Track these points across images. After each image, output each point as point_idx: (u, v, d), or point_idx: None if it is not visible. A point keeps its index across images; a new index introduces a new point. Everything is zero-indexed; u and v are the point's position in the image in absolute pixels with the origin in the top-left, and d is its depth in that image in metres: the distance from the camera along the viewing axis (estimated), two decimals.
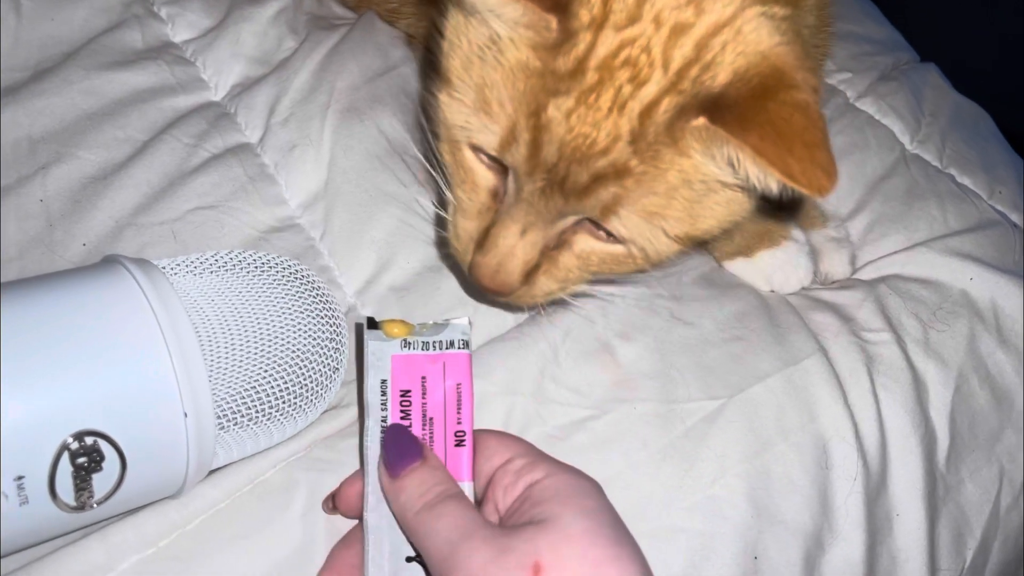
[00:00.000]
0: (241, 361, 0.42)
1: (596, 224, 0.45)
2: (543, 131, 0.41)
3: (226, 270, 0.44)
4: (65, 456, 0.36)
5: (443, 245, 0.55)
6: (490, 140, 0.43)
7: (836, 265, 0.66)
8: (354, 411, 0.49)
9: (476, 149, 0.45)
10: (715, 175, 0.42)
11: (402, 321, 0.44)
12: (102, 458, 0.37)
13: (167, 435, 0.39)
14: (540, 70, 0.41)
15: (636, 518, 0.40)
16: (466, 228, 0.48)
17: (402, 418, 0.42)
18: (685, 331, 0.55)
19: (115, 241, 0.53)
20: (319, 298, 0.46)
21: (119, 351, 0.38)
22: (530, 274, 0.46)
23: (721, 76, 0.40)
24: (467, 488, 0.41)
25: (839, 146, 0.72)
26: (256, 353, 0.42)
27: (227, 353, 0.41)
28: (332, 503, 0.44)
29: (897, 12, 0.92)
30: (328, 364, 0.45)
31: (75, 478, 0.36)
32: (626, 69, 0.40)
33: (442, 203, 0.51)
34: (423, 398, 0.42)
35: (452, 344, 0.43)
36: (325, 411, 0.48)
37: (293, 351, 0.43)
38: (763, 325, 0.57)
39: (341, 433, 0.48)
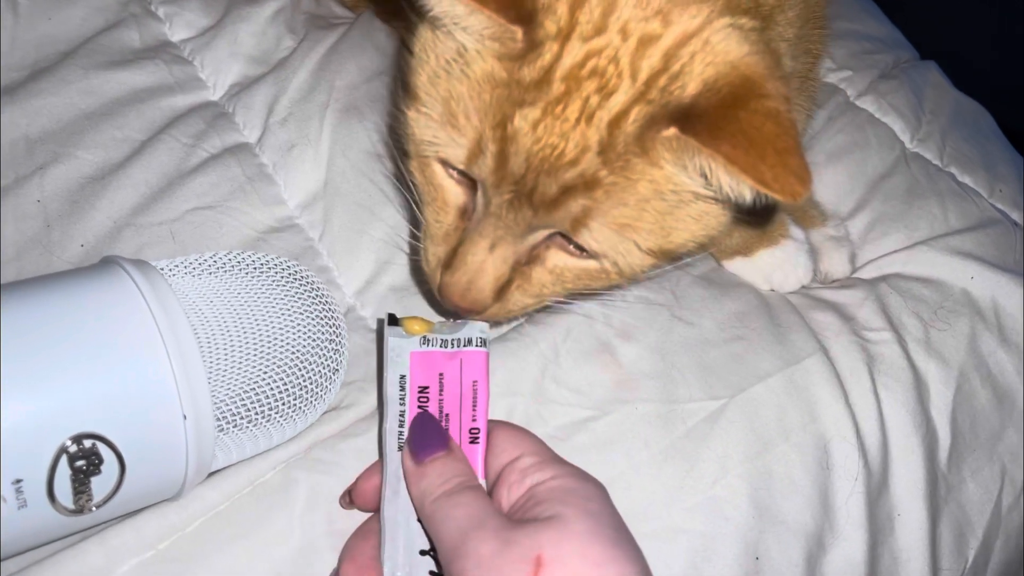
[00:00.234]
0: (240, 363, 0.42)
1: (567, 239, 0.44)
2: (509, 142, 0.41)
3: (224, 271, 0.44)
4: (63, 459, 0.36)
5: (417, 271, 0.55)
6: (457, 154, 0.43)
7: (836, 264, 0.65)
8: (354, 412, 0.49)
9: (445, 164, 0.45)
10: (687, 186, 0.42)
11: (422, 319, 0.44)
12: (100, 461, 0.37)
13: (166, 437, 0.39)
14: (506, 81, 0.41)
15: (637, 519, 0.40)
16: (435, 253, 0.47)
17: (414, 417, 0.43)
18: (686, 331, 0.55)
19: (113, 242, 0.53)
20: (318, 299, 0.46)
21: (117, 353, 0.38)
22: (502, 290, 0.46)
23: (691, 86, 0.40)
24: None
25: (839, 145, 0.72)
26: (255, 355, 0.42)
27: (226, 355, 0.41)
28: (349, 498, 0.45)
29: (897, 10, 0.92)
30: (327, 365, 0.45)
31: (73, 481, 0.36)
32: (593, 79, 0.40)
33: (416, 225, 0.51)
34: (440, 394, 0.43)
35: (470, 342, 0.44)
36: (325, 412, 0.47)
37: (292, 352, 0.43)
38: (764, 324, 0.57)
39: (341, 434, 0.48)
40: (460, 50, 0.42)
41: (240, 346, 0.42)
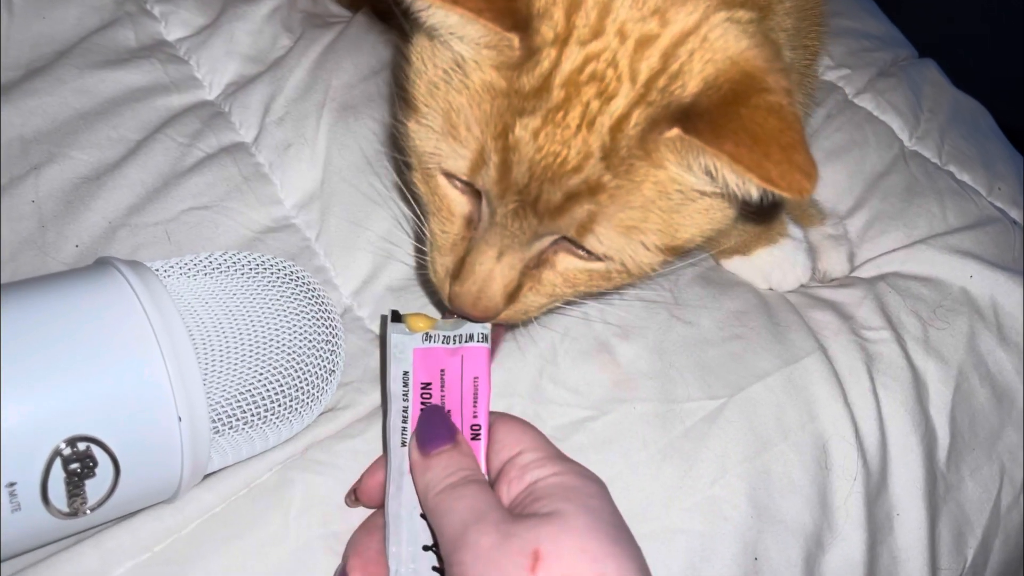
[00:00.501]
0: (236, 364, 0.41)
1: (574, 243, 0.44)
2: (511, 152, 0.40)
3: (220, 272, 0.44)
4: (58, 462, 0.36)
5: (426, 283, 0.54)
6: (460, 165, 0.43)
7: (834, 263, 0.65)
8: (351, 413, 0.49)
9: (449, 175, 0.45)
10: (692, 184, 0.41)
11: (425, 315, 0.45)
12: (95, 464, 0.36)
13: (161, 440, 0.38)
14: (505, 90, 0.40)
15: (636, 519, 0.40)
16: (443, 263, 0.47)
17: (423, 409, 0.43)
18: (684, 330, 0.55)
19: (108, 242, 0.53)
20: (314, 300, 0.46)
21: (112, 355, 0.37)
22: (513, 295, 0.45)
23: (691, 85, 0.39)
24: None
25: (837, 143, 0.72)
26: (251, 356, 0.42)
27: (221, 356, 0.41)
28: (354, 495, 0.45)
29: (895, 7, 0.92)
30: (324, 366, 0.45)
31: (68, 484, 0.36)
32: (593, 84, 0.39)
33: (420, 239, 0.50)
34: (442, 391, 0.43)
35: (472, 338, 0.44)
36: (321, 413, 0.47)
37: (288, 354, 0.43)
38: (762, 323, 0.57)
39: (338, 435, 0.47)
40: (458, 60, 0.42)
41: (236, 347, 0.42)
